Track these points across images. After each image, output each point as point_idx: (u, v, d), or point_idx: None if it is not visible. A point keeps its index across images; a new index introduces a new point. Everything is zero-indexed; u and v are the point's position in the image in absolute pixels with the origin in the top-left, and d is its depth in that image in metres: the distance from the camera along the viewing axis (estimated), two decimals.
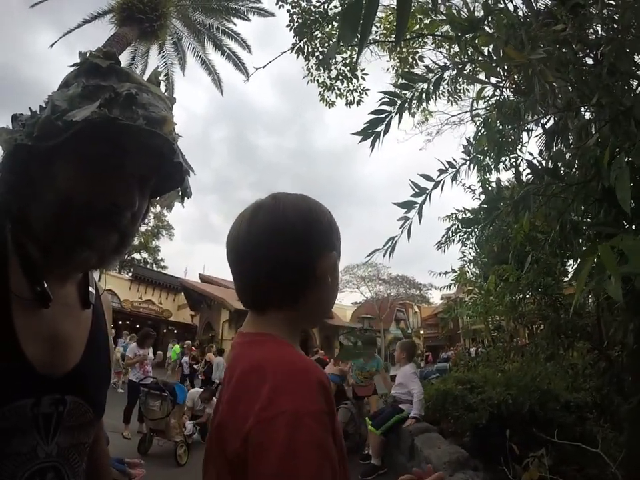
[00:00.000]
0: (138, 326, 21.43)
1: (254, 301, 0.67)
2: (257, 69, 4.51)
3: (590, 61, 1.95)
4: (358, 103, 5.02)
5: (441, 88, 4.32)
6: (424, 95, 2.42)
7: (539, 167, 1.75)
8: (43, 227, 0.60)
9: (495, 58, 1.77)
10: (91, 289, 0.73)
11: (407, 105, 2.47)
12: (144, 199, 0.68)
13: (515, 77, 1.96)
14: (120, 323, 20.05)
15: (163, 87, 0.72)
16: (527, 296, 5.20)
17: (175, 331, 21.98)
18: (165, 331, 22.03)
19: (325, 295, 0.68)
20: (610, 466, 1.69)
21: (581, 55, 1.86)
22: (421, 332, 33.27)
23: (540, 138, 3.08)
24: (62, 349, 0.63)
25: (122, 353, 10.53)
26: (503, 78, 2.67)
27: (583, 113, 1.98)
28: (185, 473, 4.36)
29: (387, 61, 5.16)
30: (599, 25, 1.88)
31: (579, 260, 1.69)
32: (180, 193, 0.76)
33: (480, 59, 2.04)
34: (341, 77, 4.50)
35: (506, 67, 1.83)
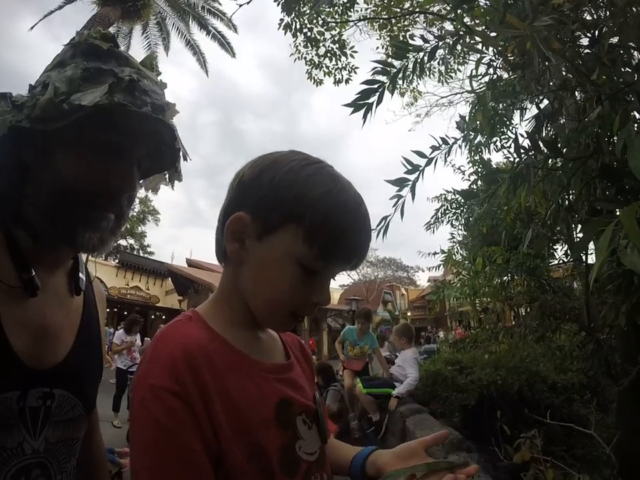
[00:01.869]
0: (126, 313, 21.67)
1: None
2: (240, 6, 4.02)
3: (586, 42, 1.89)
4: (347, 82, 4.89)
5: (433, 67, 4.23)
6: (418, 66, 2.34)
7: (539, 140, 1.69)
8: (38, 213, 0.59)
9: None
10: (81, 275, 0.70)
11: (400, 75, 2.38)
12: (138, 181, 0.69)
13: (511, 52, 1.88)
14: (107, 310, 19.95)
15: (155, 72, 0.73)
16: (515, 278, 5.25)
17: (163, 317, 21.89)
18: (152, 317, 21.99)
19: (246, 270, 0.57)
20: (603, 447, 1.69)
21: (578, 34, 1.80)
22: (408, 314, 33.75)
23: (530, 121, 3.04)
24: (51, 340, 0.61)
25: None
26: (497, 56, 2.60)
27: (578, 93, 1.93)
28: None
29: (377, 39, 5.03)
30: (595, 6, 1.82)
31: (580, 234, 1.63)
32: (167, 177, 0.76)
33: (478, 29, 1.96)
34: (329, 55, 4.36)
35: (502, 42, 1.75)
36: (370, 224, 0.58)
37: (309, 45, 4.22)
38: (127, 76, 0.58)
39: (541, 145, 1.66)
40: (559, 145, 1.61)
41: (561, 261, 4.67)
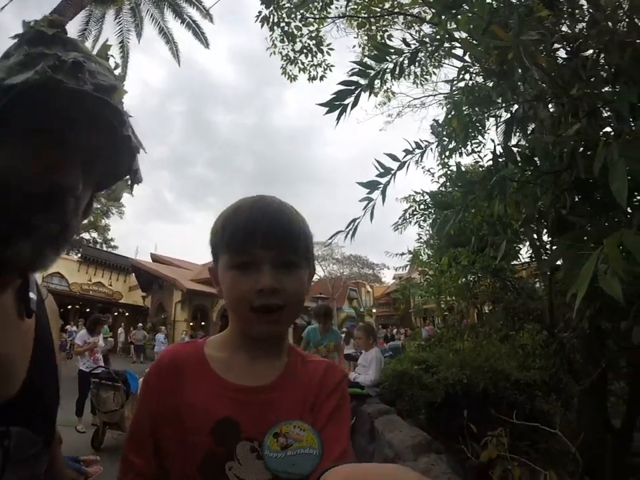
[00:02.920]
0: (88, 310, 20.71)
1: None
2: None
3: (564, 54, 1.95)
4: (321, 79, 4.85)
5: (410, 70, 4.27)
6: (397, 69, 2.34)
7: (514, 153, 1.72)
8: None
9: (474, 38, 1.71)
10: (31, 294, 0.61)
11: (379, 77, 2.38)
12: (88, 186, 0.59)
13: (492, 61, 1.91)
14: (69, 307, 19.13)
15: (112, 63, 0.65)
16: (481, 278, 5.41)
17: (127, 314, 21.22)
18: (115, 314, 21.22)
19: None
20: (568, 445, 1.76)
21: (557, 47, 1.85)
22: (374, 310, 34.30)
23: (499, 126, 3.13)
24: (1, 371, 0.54)
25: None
26: (475, 62, 2.65)
27: (553, 105, 1.99)
28: None
29: (355, 37, 5.02)
30: (575, 20, 1.87)
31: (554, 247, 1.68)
32: (129, 181, 0.66)
33: (457, 34, 1.98)
34: (305, 51, 4.30)
35: (483, 51, 1.77)
36: (267, 208, 0.69)
37: (285, 39, 4.14)
38: (70, 58, 0.53)
39: (517, 156, 1.71)
40: (534, 158, 1.65)
41: (526, 263, 4.85)
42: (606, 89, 1.35)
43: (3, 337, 0.55)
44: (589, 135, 1.45)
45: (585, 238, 1.50)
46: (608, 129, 1.41)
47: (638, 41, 1.21)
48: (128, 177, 0.65)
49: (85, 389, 4.96)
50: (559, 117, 1.79)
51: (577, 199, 1.80)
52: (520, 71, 1.69)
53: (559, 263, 1.93)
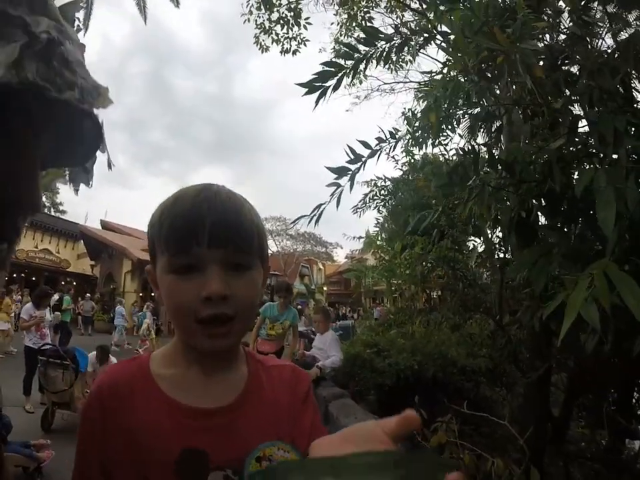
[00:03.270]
0: (34, 278, 19.42)
1: None
2: None
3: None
4: (294, 53, 4.66)
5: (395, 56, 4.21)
6: (384, 56, 2.29)
7: (496, 158, 1.76)
8: None
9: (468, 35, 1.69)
10: None
11: (364, 62, 2.31)
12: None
13: (479, 59, 1.91)
14: (14, 275, 17.78)
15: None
16: (435, 266, 5.61)
17: (74, 283, 20.01)
18: (63, 282, 20.01)
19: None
20: (515, 435, 1.90)
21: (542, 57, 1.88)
22: (325, 288, 34.86)
23: (464, 122, 3.20)
24: None
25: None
26: (457, 58, 2.65)
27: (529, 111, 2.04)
28: None
29: (334, 14, 4.84)
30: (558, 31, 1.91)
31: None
32: (69, 176, 0.55)
33: (446, 31, 1.95)
34: (282, 22, 4.08)
35: (472, 48, 1.76)
36: (219, 206, 0.57)
37: (262, 7, 3.90)
38: (43, 33, 0.39)
39: (499, 165, 1.74)
40: (514, 166, 1.69)
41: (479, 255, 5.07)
42: (590, 109, 1.38)
43: None
44: (568, 151, 1.50)
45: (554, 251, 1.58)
46: (589, 148, 1.45)
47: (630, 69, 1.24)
48: (66, 169, 0.54)
49: (32, 367, 4.68)
50: (536, 127, 1.84)
51: (541, 211, 1.88)
52: (507, 76, 1.70)
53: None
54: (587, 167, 1.47)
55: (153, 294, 18.01)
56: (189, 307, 0.55)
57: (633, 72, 1.29)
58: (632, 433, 1.51)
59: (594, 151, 1.34)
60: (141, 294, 17.67)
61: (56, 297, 11.05)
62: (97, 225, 22.89)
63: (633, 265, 1.10)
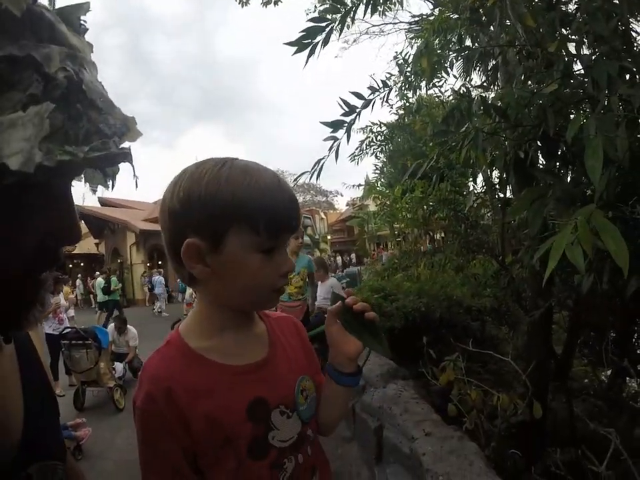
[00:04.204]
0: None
1: None
2: None
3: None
4: (276, 3, 4.40)
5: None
6: (371, 4, 2.19)
7: (489, 104, 1.73)
8: None
9: None
10: None
11: (352, 13, 2.22)
12: None
13: (470, 2, 1.82)
14: None
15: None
16: (436, 208, 5.64)
17: (82, 264, 20.22)
18: (70, 266, 20.17)
19: (216, 281, 0.66)
20: (516, 369, 2.04)
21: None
22: (328, 237, 35.14)
23: (459, 62, 3.09)
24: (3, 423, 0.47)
25: None
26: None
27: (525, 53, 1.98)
28: (127, 416, 4.19)
29: None
30: None
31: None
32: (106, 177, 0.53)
33: None
34: None
35: None
36: (289, 187, 0.67)
37: None
38: (59, 71, 0.34)
39: (492, 109, 1.72)
40: (507, 111, 1.67)
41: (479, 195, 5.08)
42: (585, 52, 1.35)
43: None
44: (562, 95, 1.48)
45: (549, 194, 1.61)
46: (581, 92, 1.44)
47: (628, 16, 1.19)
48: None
49: (55, 352, 4.86)
50: (531, 69, 1.79)
51: (539, 153, 1.89)
52: (499, 20, 1.64)
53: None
54: (581, 111, 1.46)
55: (160, 262, 18.34)
56: (270, 281, 0.66)
57: (629, 17, 1.25)
58: (630, 372, 1.62)
59: (588, 95, 1.32)
60: (148, 264, 17.96)
61: (101, 280, 11.34)
62: (95, 203, 22.70)
63: (620, 212, 1.14)
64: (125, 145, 0.40)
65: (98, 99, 0.38)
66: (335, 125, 2.16)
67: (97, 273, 16.37)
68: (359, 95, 2.20)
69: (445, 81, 3.91)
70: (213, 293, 0.67)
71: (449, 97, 4.34)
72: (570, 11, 1.57)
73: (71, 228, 0.44)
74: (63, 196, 0.43)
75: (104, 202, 22.55)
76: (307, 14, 5.18)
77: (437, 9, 2.57)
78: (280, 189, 0.64)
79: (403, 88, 4.09)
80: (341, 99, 2.14)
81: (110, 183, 0.59)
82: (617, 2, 1.21)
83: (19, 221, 0.38)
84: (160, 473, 0.63)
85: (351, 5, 2.05)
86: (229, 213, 0.60)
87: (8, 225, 0.37)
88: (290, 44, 2.12)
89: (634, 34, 1.36)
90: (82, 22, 0.43)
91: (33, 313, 0.44)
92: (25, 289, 0.41)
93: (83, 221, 21.20)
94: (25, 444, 0.49)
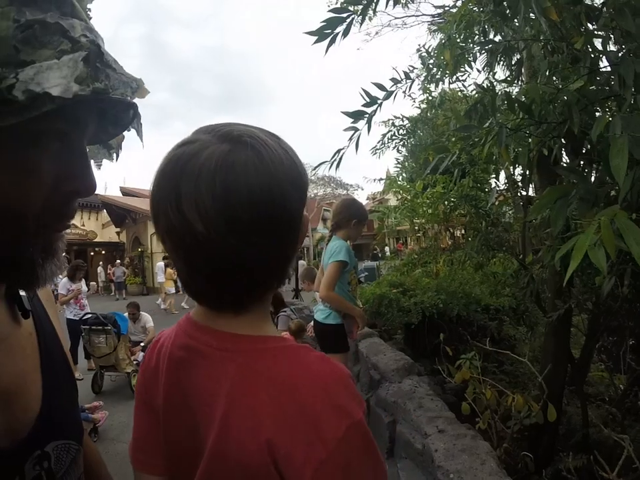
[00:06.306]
0: (65, 255, 20.52)
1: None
2: None
3: None
4: None
5: None
6: None
7: (513, 99, 1.70)
8: None
9: None
10: (21, 292, 0.55)
11: (374, 4, 2.20)
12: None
13: None
14: None
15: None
16: (457, 204, 5.56)
17: (103, 252, 20.81)
18: (92, 254, 20.81)
19: None
20: (532, 371, 2.01)
21: None
22: None
23: (482, 55, 3.02)
24: (17, 397, 0.48)
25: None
26: None
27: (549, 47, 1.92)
28: None
29: None
30: None
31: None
32: (110, 150, 0.62)
33: None
34: None
35: None
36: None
37: None
38: (82, 36, 0.40)
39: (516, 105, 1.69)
40: (532, 107, 1.64)
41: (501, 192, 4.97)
42: (612, 48, 1.30)
43: (6, 359, 0.49)
44: (588, 92, 1.44)
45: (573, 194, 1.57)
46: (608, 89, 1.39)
47: None
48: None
49: (75, 337, 5.00)
50: (556, 64, 1.75)
51: (563, 150, 1.84)
52: (523, 13, 1.60)
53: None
54: (607, 109, 1.41)
55: None
56: None
57: None
58: None
59: (614, 93, 1.28)
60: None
61: (161, 264, 11.97)
62: (117, 193, 23.29)
63: None
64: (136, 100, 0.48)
65: (112, 61, 0.45)
66: (356, 115, 2.14)
67: (118, 261, 16.83)
68: (380, 86, 2.19)
69: (468, 75, 3.84)
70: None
71: (472, 91, 4.26)
72: (596, 5, 1.52)
73: (84, 176, 0.47)
74: (77, 145, 0.47)
75: (125, 191, 23.13)
76: (329, 5, 5.13)
77: (460, 1, 2.51)
78: None
79: (426, 81, 4.03)
80: (363, 90, 2.14)
81: (114, 155, 0.64)
82: None
83: (40, 150, 0.42)
84: None
85: None
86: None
87: (26, 155, 0.41)
88: (310, 33, 2.11)
89: None
90: (88, 9, 0.49)
91: (49, 265, 0.47)
92: (39, 231, 0.44)
93: (105, 210, 21.84)
94: (41, 421, 0.50)
